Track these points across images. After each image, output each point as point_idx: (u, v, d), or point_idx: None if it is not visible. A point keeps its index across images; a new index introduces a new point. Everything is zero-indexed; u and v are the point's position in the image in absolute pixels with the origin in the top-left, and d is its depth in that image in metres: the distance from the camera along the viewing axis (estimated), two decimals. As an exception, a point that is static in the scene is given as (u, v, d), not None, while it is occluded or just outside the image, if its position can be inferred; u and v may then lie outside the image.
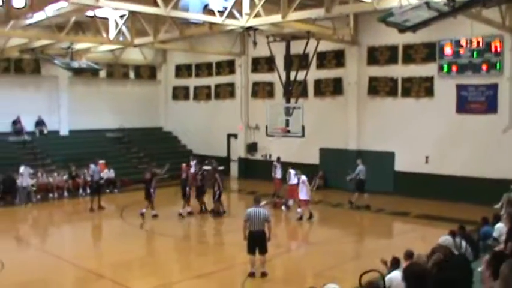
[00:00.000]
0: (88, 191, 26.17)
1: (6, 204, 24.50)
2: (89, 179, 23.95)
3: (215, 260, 16.57)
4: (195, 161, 26.02)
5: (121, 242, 18.14)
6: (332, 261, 15.72)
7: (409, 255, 9.93)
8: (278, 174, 25.50)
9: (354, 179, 23.85)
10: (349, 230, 20.30)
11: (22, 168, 25.52)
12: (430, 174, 24.64)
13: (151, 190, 21.64)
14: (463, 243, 11.70)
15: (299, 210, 21.69)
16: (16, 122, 30.70)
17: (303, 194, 21.30)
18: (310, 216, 21.36)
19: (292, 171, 22.90)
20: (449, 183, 23.76)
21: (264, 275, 14.03)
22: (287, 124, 24.17)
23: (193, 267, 15.84)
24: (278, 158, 26.03)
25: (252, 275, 14.02)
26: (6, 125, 30.44)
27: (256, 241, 13.95)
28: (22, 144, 30.23)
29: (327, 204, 24.79)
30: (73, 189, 26.88)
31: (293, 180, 22.68)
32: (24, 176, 25.33)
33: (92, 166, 24.10)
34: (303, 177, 21.56)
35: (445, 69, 24.15)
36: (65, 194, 26.72)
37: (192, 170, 25.30)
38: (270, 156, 30.47)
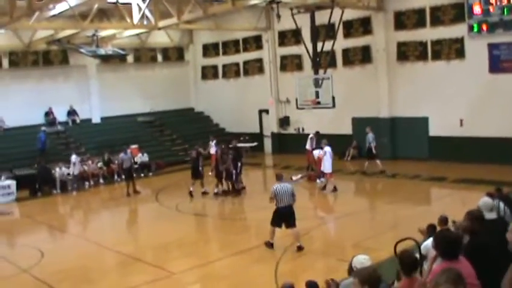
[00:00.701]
0: (123, 176, 26.48)
1: (44, 195, 24.77)
2: (124, 166, 23.93)
3: (252, 237, 16.58)
4: (214, 141, 26.07)
5: (158, 224, 18.25)
6: (370, 231, 15.61)
7: (443, 220, 9.75)
8: (309, 146, 25.16)
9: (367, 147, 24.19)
10: (385, 198, 20.10)
11: (74, 157, 26.08)
12: (466, 137, 24.21)
13: (200, 168, 22.07)
14: (501, 205, 11.44)
15: (322, 179, 21.59)
16: (48, 114, 31.02)
17: (326, 166, 21.19)
18: (335, 189, 21.20)
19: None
20: (485, 145, 23.39)
21: (300, 249, 13.97)
22: (317, 96, 24.05)
23: (231, 244, 15.79)
24: (317, 132, 25.67)
25: (270, 245, 14.19)
26: (39, 117, 30.76)
27: (284, 217, 14.01)
28: (56, 134, 30.54)
29: (363, 174, 24.54)
30: (108, 176, 27.08)
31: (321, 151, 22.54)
32: (76, 165, 25.83)
33: (122, 155, 24.26)
34: (326, 148, 21.43)
35: (475, 29, 23.54)
36: (101, 181, 26.97)
37: (212, 150, 25.35)
38: (303, 129, 30.31)
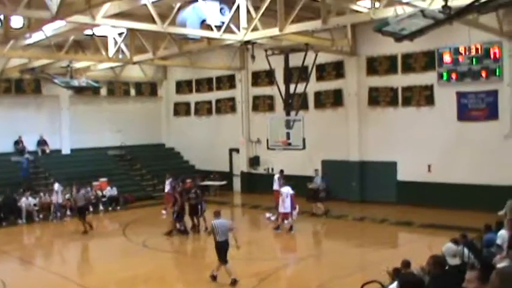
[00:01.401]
0: (91, 209, 26.38)
1: (9, 224, 24.43)
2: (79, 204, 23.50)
3: (218, 275, 16.48)
4: (170, 179, 25.86)
5: (124, 259, 18.11)
6: (336, 272, 15.61)
7: (405, 264, 9.90)
8: (277, 186, 25.18)
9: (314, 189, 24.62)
10: (352, 241, 20.19)
11: (57, 186, 25.99)
12: (433, 183, 24.53)
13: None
14: (466, 251, 11.63)
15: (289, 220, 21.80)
16: (18, 142, 30.73)
17: (283, 206, 21.27)
18: (290, 229, 21.43)
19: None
20: (452, 191, 23.69)
21: (214, 278, 14.87)
22: (288, 137, 24.17)
23: (196, 282, 15.73)
24: (281, 171, 25.83)
25: (234, 283, 14.52)
26: (8, 145, 30.47)
27: (223, 249, 14.76)
28: (23, 164, 30.23)
29: (330, 216, 24.67)
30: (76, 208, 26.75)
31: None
32: (59, 193, 25.70)
33: (75, 193, 24.48)
34: (284, 189, 21.67)
35: (445, 77, 24.12)
36: (68, 212, 26.58)
37: (167, 188, 25.26)
38: (272, 169, 30.45)
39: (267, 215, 23.67)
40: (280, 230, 21.58)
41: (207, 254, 19.23)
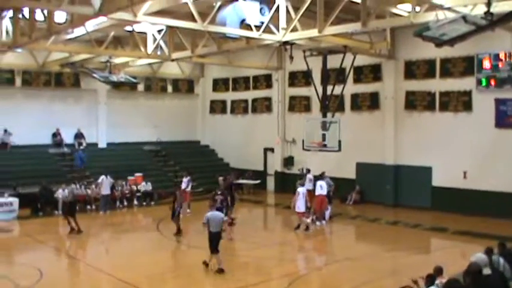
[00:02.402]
0: (125, 203, 26.77)
1: (45, 215, 24.84)
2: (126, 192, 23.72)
3: (249, 274, 16.55)
4: (188, 177, 25.97)
5: (157, 253, 18.27)
6: (369, 276, 15.57)
7: (438, 271, 9.85)
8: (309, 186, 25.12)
9: None
10: (386, 245, 20.07)
11: (102, 178, 26.27)
12: (469, 190, 24.30)
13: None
14: (501, 260, 11.49)
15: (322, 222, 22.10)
16: (56, 135, 31.25)
17: (299, 206, 21.47)
18: (307, 229, 21.67)
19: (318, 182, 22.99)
20: (488, 199, 23.45)
21: (221, 271, 15.63)
22: (324, 138, 24.08)
23: (227, 280, 15.82)
24: (308, 170, 25.95)
25: (221, 270, 15.64)
26: (47, 137, 31.04)
27: (215, 240, 15.87)
28: (61, 156, 30.76)
29: (364, 219, 24.68)
30: (111, 201, 27.06)
31: (319, 190, 22.78)
32: (105, 185, 26.02)
33: (60, 191, 24.56)
34: (300, 189, 21.82)
35: (484, 83, 23.84)
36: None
37: (183, 185, 25.38)
38: (309, 170, 30.45)
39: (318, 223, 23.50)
40: (300, 230, 21.76)
41: (239, 253, 19.36)
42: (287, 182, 32.10)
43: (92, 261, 17.84)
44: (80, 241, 21.19)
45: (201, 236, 19.70)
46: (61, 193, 25.37)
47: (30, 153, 29.70)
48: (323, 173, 24.38)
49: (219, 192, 21.54)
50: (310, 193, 22.95)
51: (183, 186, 25.45)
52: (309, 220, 22.13)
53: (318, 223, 22.79)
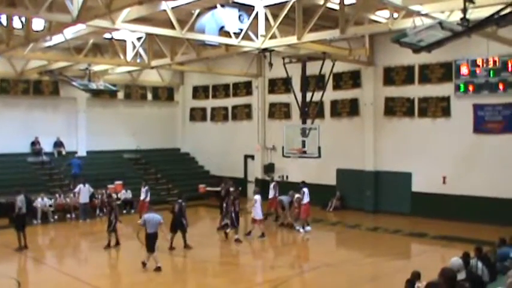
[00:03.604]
0: (105, 211, 26.54)
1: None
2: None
3: (230, 282, 16.52)
4: (146, 187, 25.80)
5: (136, 262, 18.13)
6: (349, 282, 15.64)
7: (416, 275, 9.92)
8: (272, 194, 25.52)
9: None
10: (366, 251, 20.10)
11: (79, 186, 26.13)
12: (448, 195, 24.46)
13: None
14: (479, 264, 11.58)
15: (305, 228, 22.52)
16: (35, 143, 31.02)
17: (257, 213, 21.62)
18: (262, 235, 21.73)
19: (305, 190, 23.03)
20: (467, 203, 23.60)
21: (158, 269, 16.67)
22: (303, 145, 24.14)
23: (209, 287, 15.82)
24: (277, 181, 26.42)
25: (159, 268, 16.68)
26: (25, 145, 30.79)
27: (152, 240, 16.90)
28: (40, 164, 30.55)
29: (344, 225, 24.79)
30: (90, 210, 26.87)
31: (305, 198, 22.94)
32: (83, 194, 25.84)
33: (40, 199, 24.17)
34: (256, 197, 21.96)
35: (462, 89, 24.05)
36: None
37: (142, 196, 25.32)
38: (287, 177, 30.45)
39: (297, 227, 23.49)
40: (252, 236, 21.92)
41: (218, 260, 19.33)
42: (268, 189, 32.00)
43: (71, 271, 17.64)
44: (59, 250, 21.02)
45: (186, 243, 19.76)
46: (40, 202, 25.22)
47: (8, 162, 29.39)
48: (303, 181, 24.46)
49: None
50: (307, 205, 23.04)
51: (142, 196, 25.33)
52: (301, 229, 22.65)
53: (307, 228, 22.99)
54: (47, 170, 30.54)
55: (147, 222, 17.08)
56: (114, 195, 28.12)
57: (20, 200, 20.65)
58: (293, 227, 23.44)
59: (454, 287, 7.67)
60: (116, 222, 20.44)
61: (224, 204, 22.60)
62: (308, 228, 23.06)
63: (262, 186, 31.66)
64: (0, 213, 24.31)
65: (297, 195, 23.32)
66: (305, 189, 23.13)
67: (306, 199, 23.01)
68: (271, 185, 25.77)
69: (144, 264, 16.83)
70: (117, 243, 20.46)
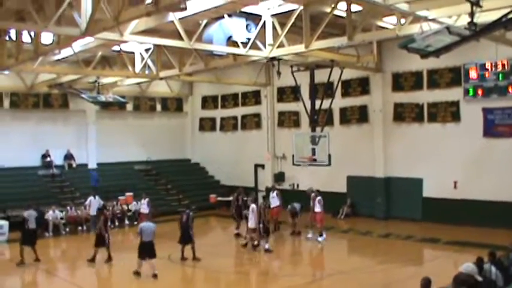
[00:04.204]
0: (116, 223, 26.70)
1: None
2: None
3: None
4: (147, 199, 25.80)
5: (149, 273, 18.15)
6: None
7: (427, 281, 9.88)
8: (276, 203, 24.96)
9: None
10: (378, 258, 20.04)
11: (89, 199, 25.92)
12: (459, 200, 24.36)
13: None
14: (493, 269, 11.51)
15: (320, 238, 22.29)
16: (45, 156, 31.15)
17: (252, 222, 21.22)
18: (258, 245, 21.37)
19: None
20: (479, 208, 23.49)
21: (155, 276, 17.04)
22: (313, 153, 24.12)
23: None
24: (278, 189, 26.44)
25: (137, 273, 17.23)
26: (36, 159, 30.93)
27: (147, 249, 17.38)
28: (51, 177, 30.66)
29: (356, 233, 24.73)
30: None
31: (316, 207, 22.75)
32: (93, 206, 25.58)
33: (27, 212, 23.22)
34: (253, 206, 21.49)
35: (471, 93, 24.01)
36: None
37: (143, 208, 25.40)
38: (298, 185, 30.43)
39: (309, 235, 23.44)
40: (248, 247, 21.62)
41: (228, 270, 19.31)
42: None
43: (83, 283, 17.76)
44: (71, 263, 21.05)
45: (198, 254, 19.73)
46: (51, 215, 25.33)
47: (19, 175, 29.60)
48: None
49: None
50: (320, 213, 22.88)
51: (143, 209, 25.36)
52: (318, 238, 22.55)
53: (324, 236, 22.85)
54: (58, 183, 30.66)
55: (143, 232, 17.53)
56: (125, 207, 28.30)
57: (28, 214, 20.46)
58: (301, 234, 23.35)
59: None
60: (109, 236, 20.09)
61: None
62: (324, 236, 22.87)
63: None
64: (13, 227, 24.33)
65: (318, 197, 23.03)
66: (319, 197, 22.96)
67: (320, 208, 22.85)
68: (274, 193, 25.28)
69: (137, 273, 17.28)
70: (110, 259, 19.91)
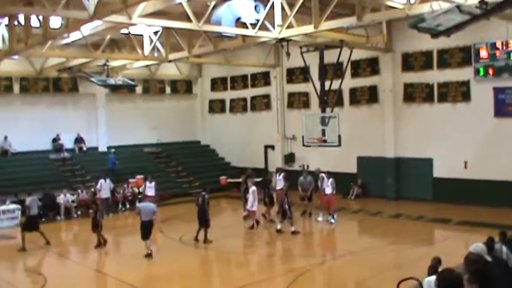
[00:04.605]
0: (127, 206, 26.84)
1: (48, 221, 24.78)
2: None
3: (254, 271, 16.60)
4: (153, 182, 25.62)
5: (161, 255, 18.28)
6: (373, 270, 15.58)
7: (437, 261, 9.90)
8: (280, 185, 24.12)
9: None
10: (389, 238, 20.08)
11: (100, 182, 26.08)
12: (470, 180, 24.30)
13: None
14: (504, 249, 11.49)
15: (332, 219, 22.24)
16: (56, 140, 31.30)
17: (253, 204, 21.42)
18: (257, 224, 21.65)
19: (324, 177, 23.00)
20: (489, 188, 23.42)
21: (148, 255, 17.54)
22: (323, 134, 24.09)
23: (232, 278, 15.86)
24: (283, 170, 26.25)
25: (149, 255, 17.55)
26: (46, 142, 31.12)
27: (145, 228, 17.65)
28: (62, 161, 30.81)
29: (366, 213, 24.75)
30: (113, 205, 27.07)
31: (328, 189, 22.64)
32: (104, 189, 25.90)
33: (63, 196, 23.80)
34: (253, 188, 21.72)
35: (481, 73, 23.82)
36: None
37: (149, 192, 25.16)
38: (308, 166, 30.41)
39: (319, 218, 23.44)
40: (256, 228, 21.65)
41: (241, 251, 19.40)
42: (289, 179, 32.00)
43: (95, 265, 17.96)
44: (83, 245, 21.17)
45: (209, 235, 19.80)
46: (63, 198, 25.49)
47: (30, 160, 29.80)
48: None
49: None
50: (332, 196, 22.75)
51: (149, 191, 25.19)
52: (332, 220, 22.39)
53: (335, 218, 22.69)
54: (69, 166, 30.81)
55: (141, 211, 17.88)
56: (136, 190, 28.38)
57: (30, 201, 20.69)
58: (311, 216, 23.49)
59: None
60: (102, 220, 20.05)
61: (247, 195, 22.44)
62: (335, 218, 22.75)
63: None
64: (25, 210, 24.49)
65: (330, 179, 22.89)
66: (331, 179, 22.81)
67: (332, 189, 22.74)
68: (280, 176, 24.57)
69: (148, 255, 17.54)
70: (105, 243, 19.80)
